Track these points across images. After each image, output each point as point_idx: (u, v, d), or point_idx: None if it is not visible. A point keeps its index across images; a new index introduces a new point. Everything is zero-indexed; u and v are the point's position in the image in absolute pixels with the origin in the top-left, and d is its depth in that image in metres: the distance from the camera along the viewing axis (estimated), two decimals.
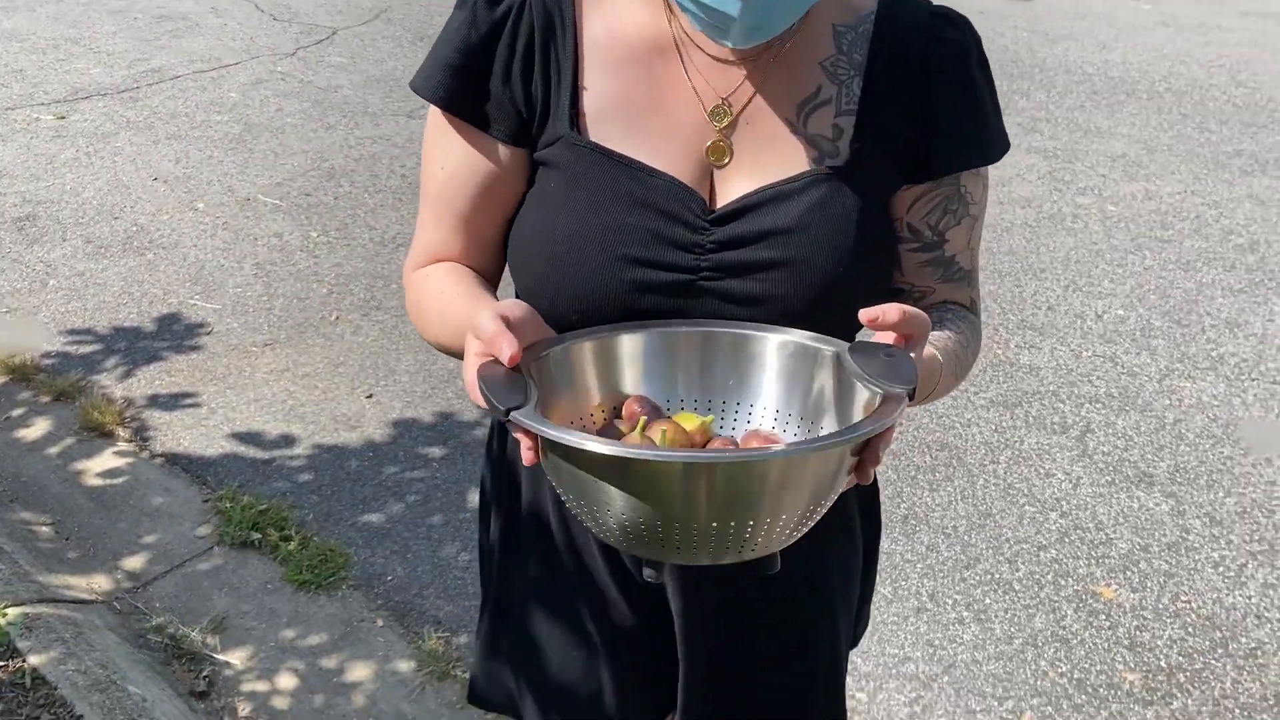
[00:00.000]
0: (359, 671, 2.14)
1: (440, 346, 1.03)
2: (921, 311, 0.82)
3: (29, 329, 3.40)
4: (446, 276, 1.01)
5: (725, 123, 0.93)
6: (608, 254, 0.92)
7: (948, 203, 0.99)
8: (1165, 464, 2.76)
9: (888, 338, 0.82)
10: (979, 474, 2.74)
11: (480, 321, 0.80)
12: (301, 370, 3.18)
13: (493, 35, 0.94)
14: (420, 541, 2.54)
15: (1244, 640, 2.21)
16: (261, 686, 2.10)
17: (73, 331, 3.39)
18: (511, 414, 0.74)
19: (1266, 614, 2.28)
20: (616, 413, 0.91)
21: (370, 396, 3.06)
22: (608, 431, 0.89)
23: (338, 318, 3.48)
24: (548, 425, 0.74)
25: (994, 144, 0.99)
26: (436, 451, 2.85)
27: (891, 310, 0.78)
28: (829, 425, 0.87)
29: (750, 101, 0.93)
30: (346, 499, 2.66)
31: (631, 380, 0.91)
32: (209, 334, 3.38)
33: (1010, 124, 4.84)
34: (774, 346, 0.90)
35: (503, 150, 0.97)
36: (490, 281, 1.05)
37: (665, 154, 0.93)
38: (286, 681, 2.11)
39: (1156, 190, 4.43)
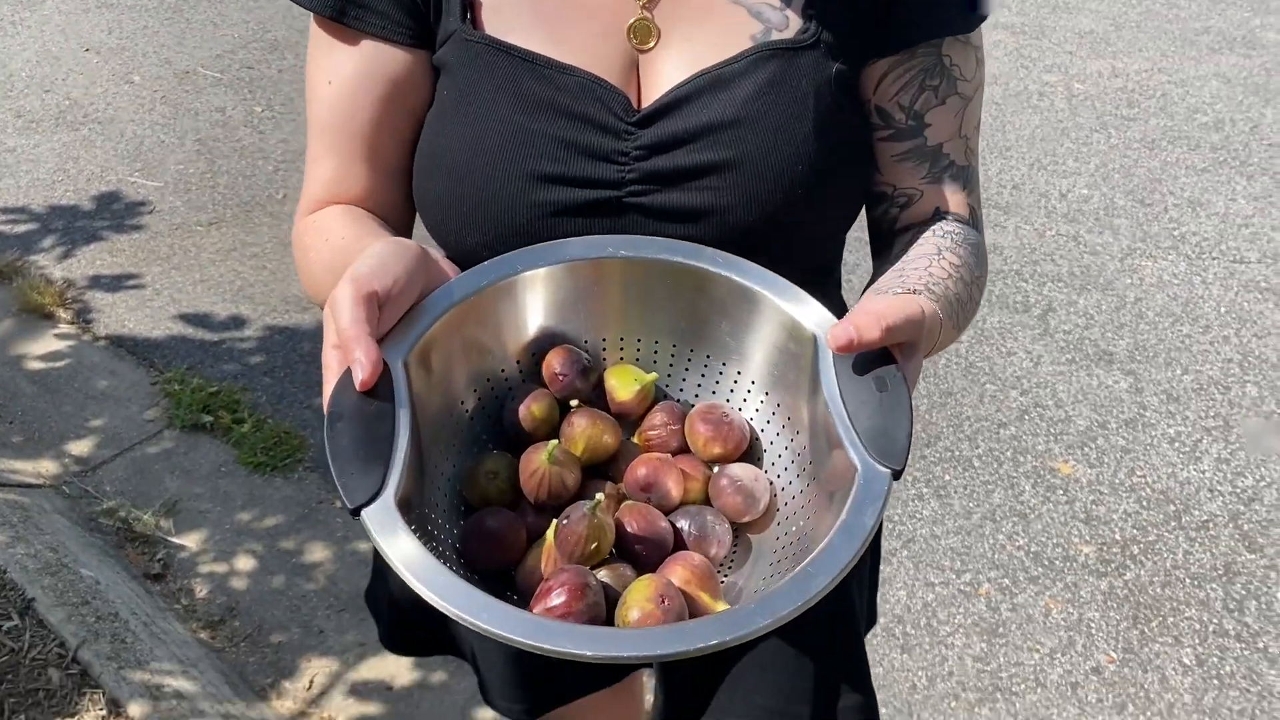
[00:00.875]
0: (318, 553, 2.11)
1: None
2: (913, 306, 0.66)
3: None
4: (337, 219, 0.82)
5: None
6: (511, 171, 0.76)
7: (925, 76, 0.81)
8: (1125, 342, 2.77)
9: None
10: (940, 353, 2.73)
11: (338, 302, 0.63)
12: (249, 250, 3.08)
13: None
14: None
15: (1196, 513, 2.25)
16: (219, 568, 2.07)
17: (6, 210, 3.24)
18: (363, 514, 0.59)
19: (1219, 488, 2.32)
20: (537, 362, 0.76)
21: None
22: (522, 395, 0.74)
23: (284, 196, 3.35)
24: (408, 540, 0.58)
25: (970, 8, 0.82)
26: None
27: (869, 328, 0.63)
28: (796, 414, 0.73)
29: None
30: (300, 381, 2.59)
31: (552, 316, 0.76)
32: (151, 213, 3.25)
33: None
34: (738, 295, 0.73)
35: (400, 54, 0.80)
36: (399, 228, 0.85)
37: (577, 44, 0.77)
38: (244, 563, 2.08)
39: (1123, 68, 4.36)
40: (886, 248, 0.88)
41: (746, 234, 0.77)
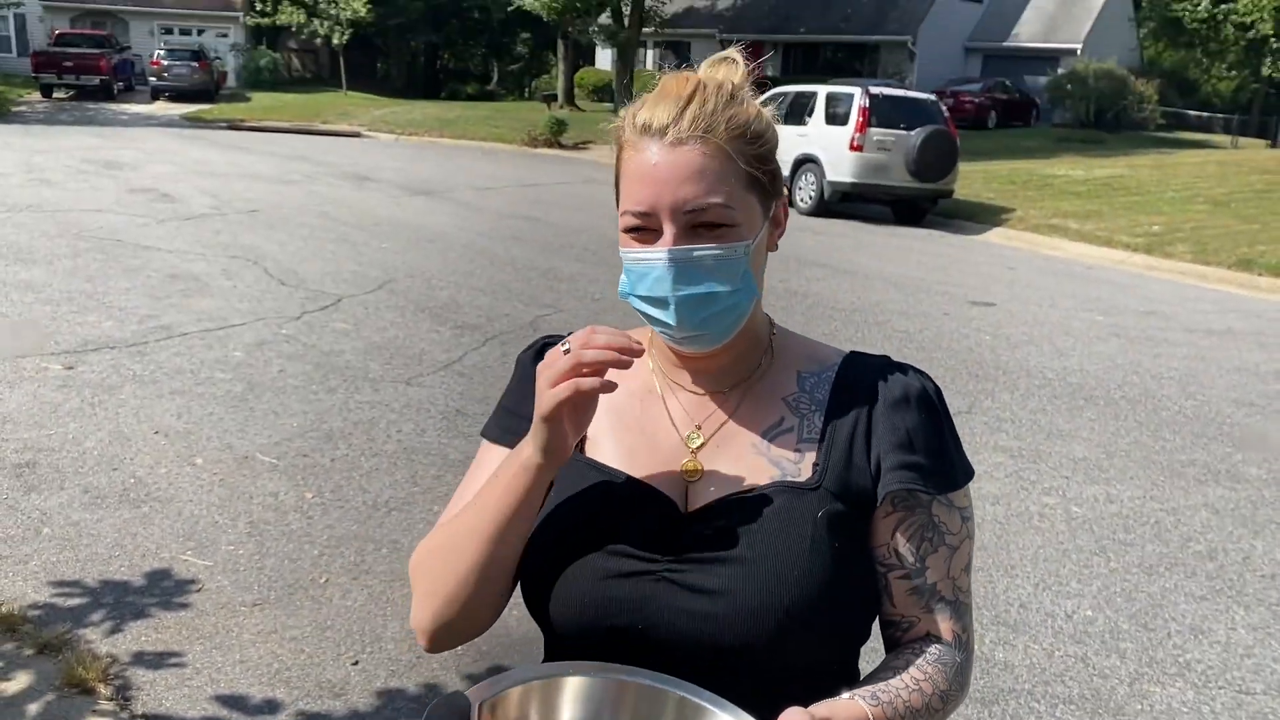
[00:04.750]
0: None
1: (461, 578, 1.07)
2: (851, 709, 0.96)
3: (19, 578, 3.42)
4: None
5: (698, 444, 1.10)
6: (588, 543, 1.05)
7: (923, 530, 1.08)
8: None
9: None
10: None
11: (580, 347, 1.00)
12: (289, 633, 3.20)
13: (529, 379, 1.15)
14: None
15: None
16: None
17: (62, 583, 3.41)
18: None
19: None
20: None
21: (356, 664, 3.07)
22: None
23: (327, 580, 3.53)
24: None
25: (950, 475, 1.09)
26: None
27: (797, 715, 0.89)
28: None
29: (721, 428, 1.11)
30: None
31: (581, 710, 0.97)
32: (199, 591, 3.41)
33: (976, 422, 5.10)
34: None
35: None
36: (503, 586, 1.11)
37: (648, 469, 1.09)
38: None
39: (1117, 494, 4.65)
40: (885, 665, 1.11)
41: (753, 616, 1.00)
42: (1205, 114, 36.00)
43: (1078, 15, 33.86)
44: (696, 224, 1.02)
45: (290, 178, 14.85)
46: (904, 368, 1.13)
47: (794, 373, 1.13)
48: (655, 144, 1.03)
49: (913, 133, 14.19)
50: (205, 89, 31.38)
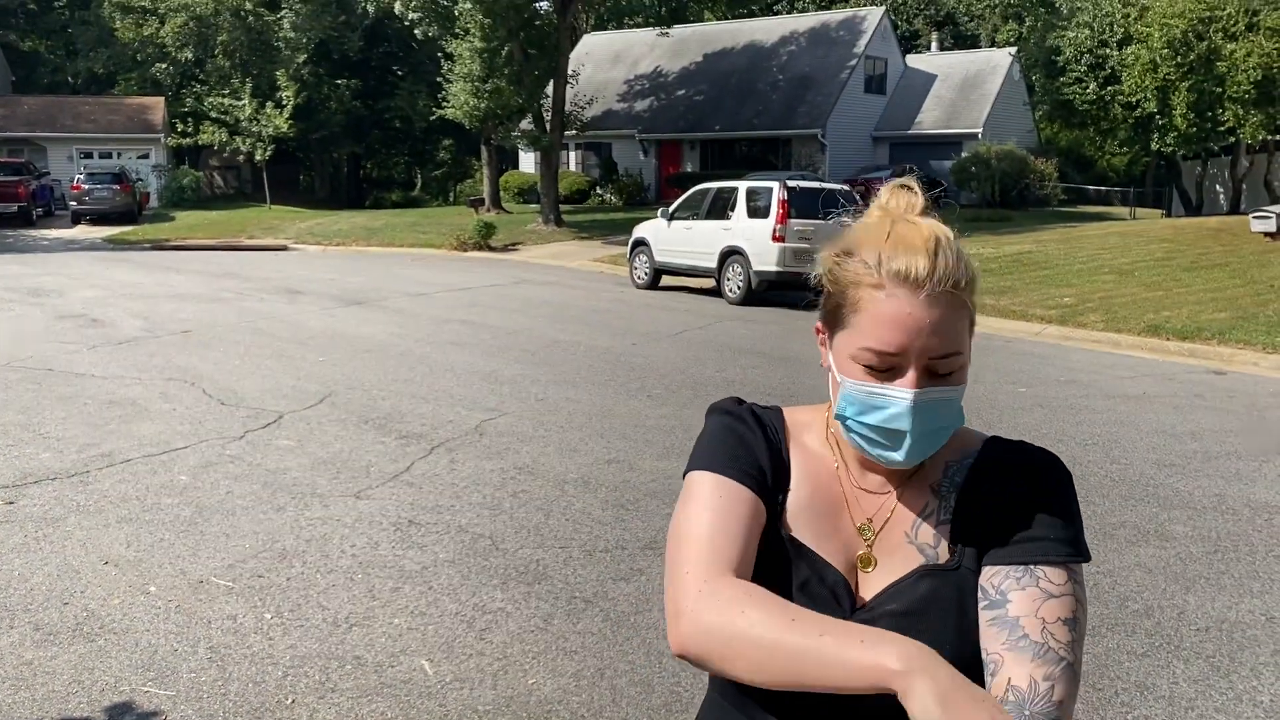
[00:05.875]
0: None
1: (760, 681, 1.06)
2: None
3: None
4: (783, 605, 1.09)
5: (870, 537, 1.24)
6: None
7: (1015, 572, 1.15)
8: None
9: None
10: None
11: None
12: None
13: (755, 433, 1.27)
14: None
15: None
16: None
17: None
18: None
19: None
20: None
21: None
22: None
23: (293, 701, 3.52)
24: None
25: (1061, 544, 1.15)
26: None
27: None
28: None
29: (886, 522, 1.24)
30: None
31: None
32: None
33: None
34: None
35: (757, 501, 1.22)
36: None
37: (832, 553, 1.23)
38: None
39: None
40: None
41: None
42: (1103, 188, 37.72)
43: (976, 101, 35.53)
44: (935, 370, 1.15)
45: (221, 295, 14.82)
46: (1036, 449, 1.24)
47: (943, 461, 1.25)
48: (909, 293, 1.14)
49: (830, 221, 14.67)
50: (128, 210, 31.24)
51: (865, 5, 38.30)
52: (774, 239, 14.73)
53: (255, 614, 4.16)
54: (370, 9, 30.56)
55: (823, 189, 16.01)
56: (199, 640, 3.93)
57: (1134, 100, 25.94)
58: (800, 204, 14.95)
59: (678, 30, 36.38)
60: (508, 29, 26.32)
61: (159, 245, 25.65)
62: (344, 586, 4.44)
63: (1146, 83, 25.04)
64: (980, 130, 33.91)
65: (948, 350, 1.15)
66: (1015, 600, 1.12)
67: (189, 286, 15.91)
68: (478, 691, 3.54)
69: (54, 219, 32.27)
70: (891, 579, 1.22)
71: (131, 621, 4.08)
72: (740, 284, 15.26)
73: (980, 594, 1.17)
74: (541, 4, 29.78)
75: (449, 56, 28.33)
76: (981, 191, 30.87)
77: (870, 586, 1.23)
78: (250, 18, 41.38)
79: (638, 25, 38.04)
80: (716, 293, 15.52)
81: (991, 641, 1.12)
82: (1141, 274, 16.34)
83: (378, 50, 44.71)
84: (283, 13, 41.18)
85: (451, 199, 45.25)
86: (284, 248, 25.61)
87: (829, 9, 40.69)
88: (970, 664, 1.13)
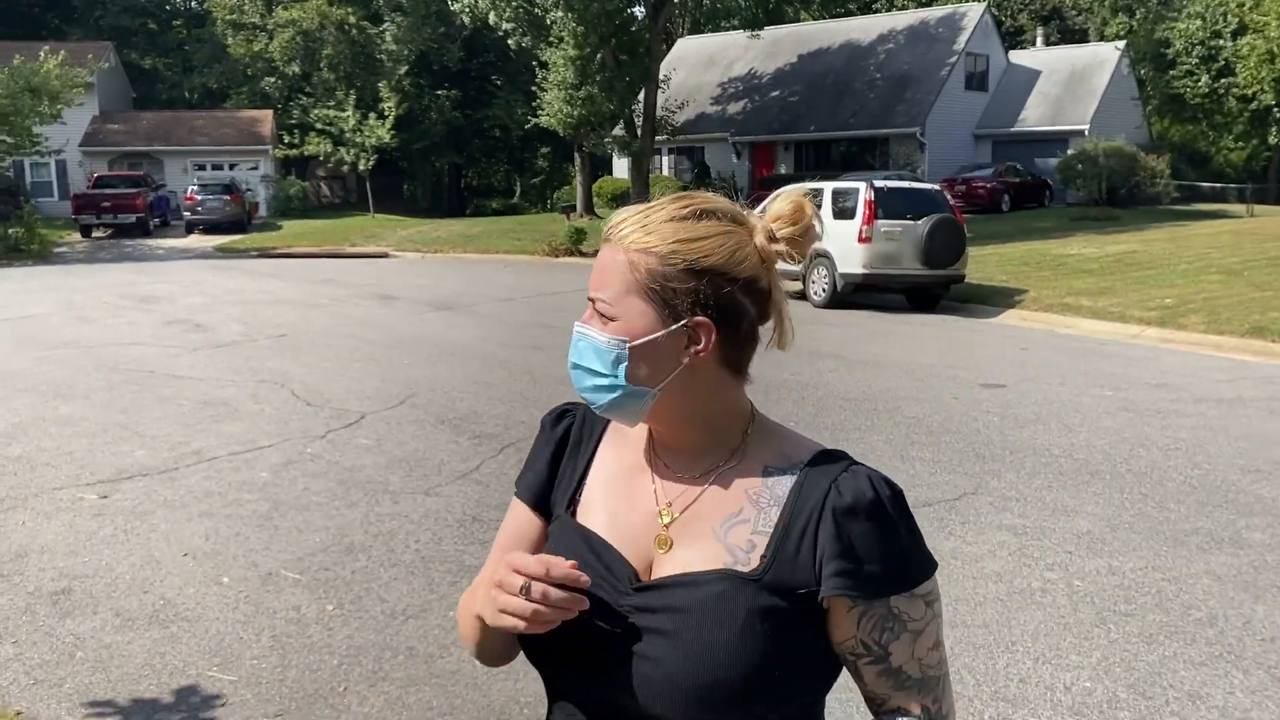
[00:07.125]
0: None
1: (474, 640, 1.31)
2: None
3: (54, 700, 3.60)
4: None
5: (668, 521, 1.24)
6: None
7: (884, 621, 1.18)
8: None
9: None
10: None
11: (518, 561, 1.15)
12: None
13: (549, 445, 1.38)
14: None
15: None
16: None
17: (94, 704, 3.58)
18: None
19: None
20: None
21: None
22: None
23: (345, 689, 3.67)
24: None
25: (900, 577, 1.18)
26: None
27: None
28: None
29: (688, 509, 1.24)
30: None
31: None
32: (223, 705, 3.57)
33: (982, 503, 5.22)
34: None
35: (534, 517, 1.37)
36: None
37: (625, 538, 1.26)
38: None
39: (1119, 566, 4.72)
40: None
41: (676, 686, 1.14)
42: (1219, 185, 36.22)
43: (1082, 97, 34.51)
44: (599, 311, 1.23)
45: (318, 301, 15.35)
46: (860, 474, 1.21)
47: (762, 465, 1.24)
48: (605, 242, 1.25)
49: (919, 222, 14.51)
50: (238, 220, 32.54)
51: (966, 2, 37.52)
52: (860, 240, 14.57)
53: (318, 605, 4.34)
54: (466, 20, 31.23)
55: (914, 189, 15.79)
56: (263, 629, 4.12)
57: (1250, 93, 24.91)
58: (889, 205, 14.76)
59: (772, 32, 36.25)
60: (600, 35, 26.63)
61: (265, 253, 26.65)
62: (404, 580, 4.60)
63: (1263, 74, 24.04)
64: (1087, 127, 32.91)
65: (599, 293, 1.22)
66: (895, 652, 1.21)
67: (289, 293, 16.51)
68: (521, 684, 3.63)
69: (169, 229, 33.79)
70: (689, 568, 1.22)
71: (204, 610, 4.30)
72: (825, 287, 15.14)
73: (862, 648, 1.20)
74: (634, 9, 30.02)
75: (544, 65, 28.77)
76: (1088, 189, 29.95)
77: (664, 568, 1.24)
78: (354, 31, 42.74)
79: (733, 28, 37.97)
80: (802, 296, 15.43)
81: (880, 687, 1.23)
82: (1251, 274, 15.67)
83: (476, 60, 45.71)
84: (385, 26, 42.41)
85: (549, 206, 45.86)
86: (384, 255, 26.33)
87: (929, 6, 39.98)
88: (753, 671, 1.15)
